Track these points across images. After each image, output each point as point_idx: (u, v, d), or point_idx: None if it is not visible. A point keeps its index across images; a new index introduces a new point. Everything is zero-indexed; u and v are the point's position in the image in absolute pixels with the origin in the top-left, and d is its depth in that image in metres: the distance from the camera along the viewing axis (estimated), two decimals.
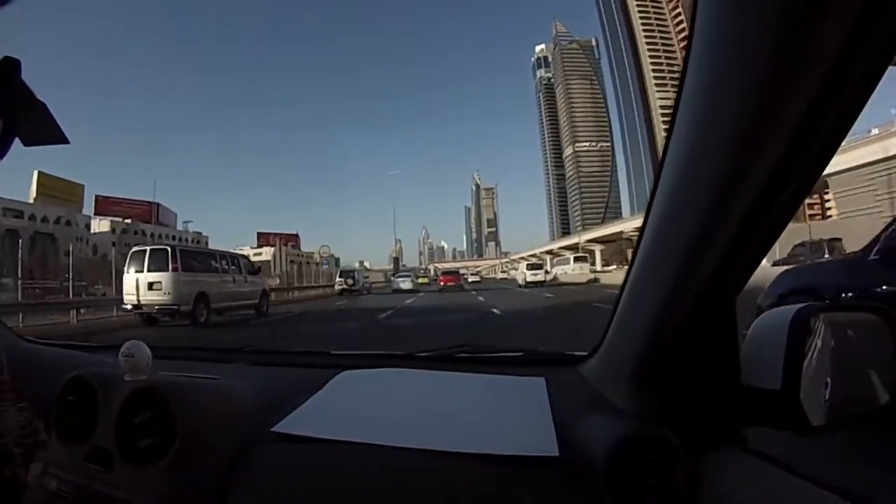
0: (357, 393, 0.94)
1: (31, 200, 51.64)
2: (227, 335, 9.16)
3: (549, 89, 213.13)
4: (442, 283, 29.80)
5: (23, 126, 0.68)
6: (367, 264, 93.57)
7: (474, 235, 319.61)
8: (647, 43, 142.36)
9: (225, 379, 0.94)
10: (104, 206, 64.25)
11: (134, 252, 11.83)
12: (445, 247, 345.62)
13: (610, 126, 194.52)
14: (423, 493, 0.67)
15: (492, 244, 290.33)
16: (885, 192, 32.06)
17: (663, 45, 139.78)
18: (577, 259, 43.59)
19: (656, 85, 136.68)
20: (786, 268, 4.61)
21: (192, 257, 12.19)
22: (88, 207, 61.29)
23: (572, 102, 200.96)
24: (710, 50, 0.46)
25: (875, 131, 33.19)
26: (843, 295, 3.48)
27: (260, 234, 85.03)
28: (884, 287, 3.18)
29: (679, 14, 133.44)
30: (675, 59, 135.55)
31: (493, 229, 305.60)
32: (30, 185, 52.34)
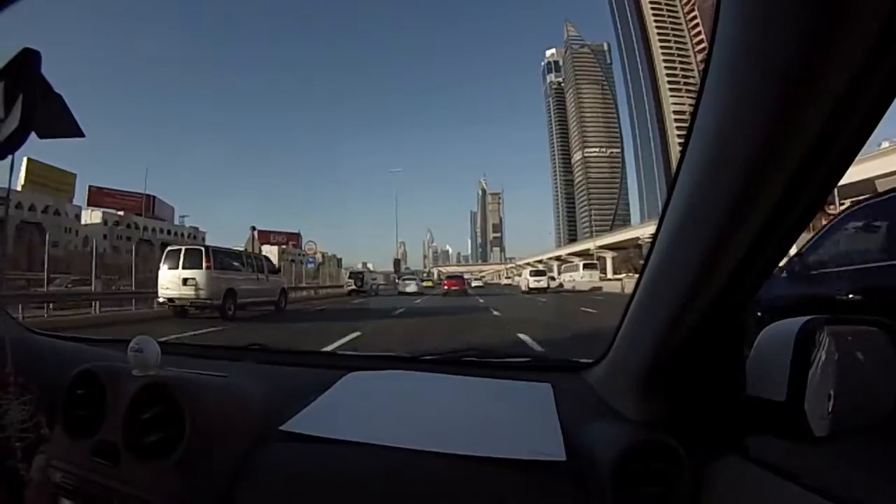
0: (364, 394, 0.96)
1: (20, 188, 49.16)
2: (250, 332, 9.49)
3: (559, 94, 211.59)
4: (446, 287, 30.19)
5: (40, 118, 0.68)
6: (370, 266, 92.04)
7: (479, 240, 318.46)
8: (662, 47, 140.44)
9: (233, 377, 0.94)
10: (98, 197, 62.45)
11: (169, 251, 12.88)
12: (450, 251, 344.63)
13: (620, 132, 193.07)
14: (430, 495, 0.68)
15: (496, 249, 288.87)
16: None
17: (678, 49, 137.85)
18: (587, 266, 41.92)
19: (671, 90, 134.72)
20: None
21: (222, 257, 13.19)
22: (81, 198, 58.97)
23: (582, 107, 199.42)
24: (731, 59, 0.46)
25: (885, 144, 33.09)
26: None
27: (260, 233, 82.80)
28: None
29: (695, 18, 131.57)
30: (691, 64, 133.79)
31: (499, 234, 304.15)
32: (19, 171, 49.88)
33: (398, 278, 39.41)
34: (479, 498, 0.67)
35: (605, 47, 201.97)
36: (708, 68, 0.48)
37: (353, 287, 30.23)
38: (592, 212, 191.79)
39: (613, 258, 62.63)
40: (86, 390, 0.79)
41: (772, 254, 0.55)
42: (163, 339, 0.98)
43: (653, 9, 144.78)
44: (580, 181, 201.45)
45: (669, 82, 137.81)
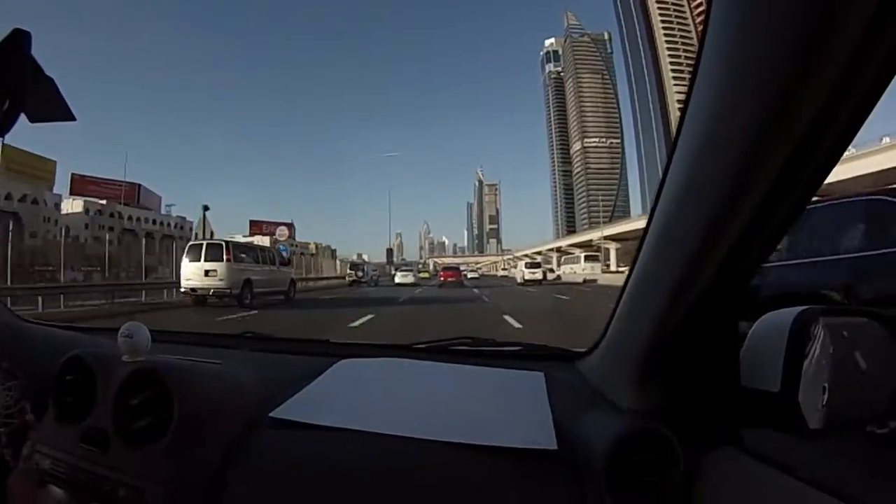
0: (355, 381, 0.96)
1: None
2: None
3: (558, 84, 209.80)
4: (442, 279, 30.52)
5: (31, 102, 0.68)
6: (365, 257, 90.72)
7: (475, 232, 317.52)
8: (666, 35, 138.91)
9: (226, 364, 0.95)
10: (80, 185, 60.59)
11: (191, 245, 14.44)
12: (446, 242, 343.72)
13: (620, 122, 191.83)
14: (419, 482, 0.69)
15: (493, 241, 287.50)
16: None
17: (682, 37, 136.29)
18: (588, 258, 40.66)
19: (674, 79, 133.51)
20: None
21: (240, 250, 14.73)
22: (64, 187, 56.76)
23: (582, 97, 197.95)
24: (723, 49, 0.46)
25: (886, 140, 34.02)
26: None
27: (252, 223, 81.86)
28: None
29: (700, 5, 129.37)
30: (694, 52, 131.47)
31: (495, 226, 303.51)
32: None
33: (395, 269, 40.90)
34: (468, 486, 0.68)
35: (606, 36, 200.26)
36: (700, 59, 0.49)
37: (354, 278, 32.95)
38: (591, 203, 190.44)
39: (617, 250, 60.79)
40: (76, 376, 0.79)
41: (762, 245, 0.56)
42: (158, 328, 1.00)
43: None
44: (579, 172, 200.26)
45: (673, 70, 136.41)
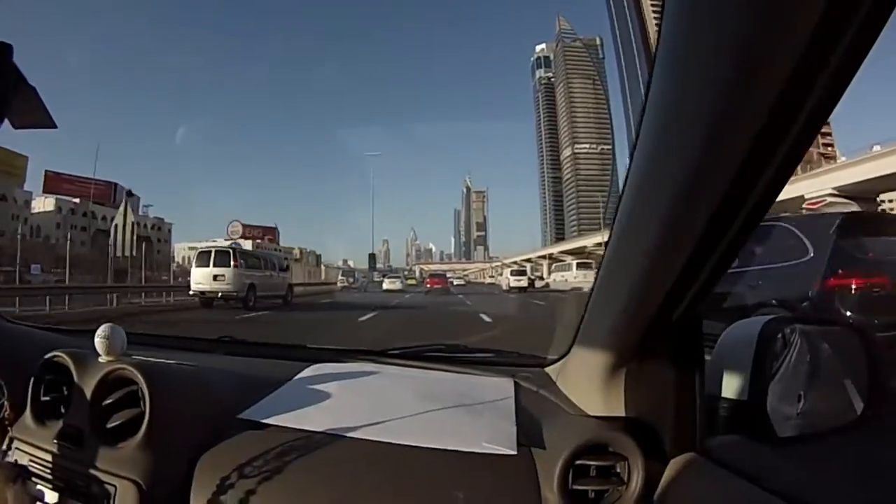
0: (325, 385, 0.99)
1: None
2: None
3: (548, 89, 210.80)
4: (429, 286, 31.53)
5: (13, 109, 0.70)
6: (351, 263, 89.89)
7: (462, 238, 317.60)
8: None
9: (200, 366, 0.99)
10: (55, 182, 59.12)
11: (200, 252, 16.35)
12: (433, 249, 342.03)
13: (612, 127, 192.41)
14: (379, 484, 0.71)
15: (480, 248, 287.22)
16: None
17: None
18: (580, 265, 39.82)
19: None
20: None
21: (245, 256, 16.77)
22: (38, 184, 54.58)
23: (573, 103, 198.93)
24: (673, 62, 0.47)
25: (877, 148, 35.31)
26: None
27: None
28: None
29: None
30: None
31: (483, 233, 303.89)
32: None
33: (383, 276, 42.18)
34: (426, 489, 0.70)
35: (598, 41, 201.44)
36: (652, 74, 0.50)
37: (346, 284, 36.76)
38: (581, 209, 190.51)
39: None
40: (54, 376, 0.83)
41: (722, 256, 0.56)
42: (136, 332, 1.11)
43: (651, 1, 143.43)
44: (569, 178, 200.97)
45: None
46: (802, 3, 0.36)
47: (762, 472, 0.62)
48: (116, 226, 24.14)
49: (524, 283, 31.62)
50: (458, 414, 0.87)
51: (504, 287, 33.21)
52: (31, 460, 0.78)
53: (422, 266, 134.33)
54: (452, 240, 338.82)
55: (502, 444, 0.74)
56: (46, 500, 0.75)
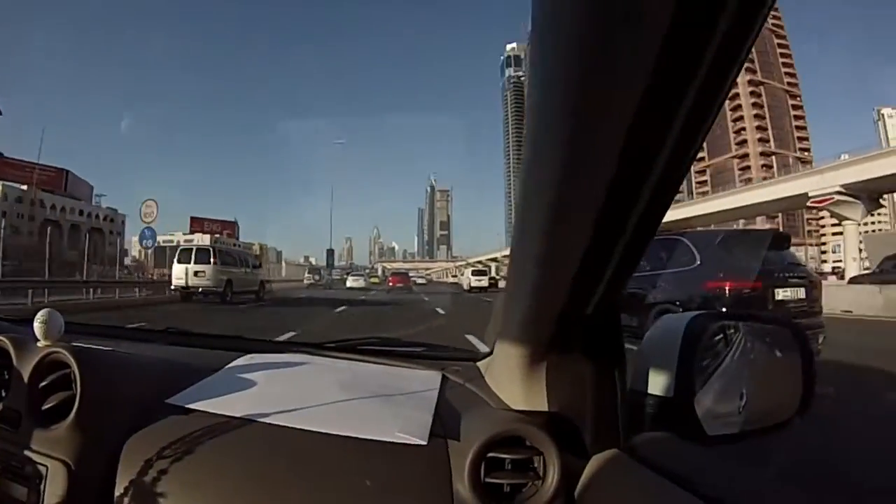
0: (253, 374, 1.02)
1: None
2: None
3: (517, 88, 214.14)
4: (391, 284, 32.54)
5: None
6: (312, 260, 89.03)
7: (426, 238, 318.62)
8: None
9: (135, 353, 1.06)
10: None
11: (182, 249, 18.09)
12: (396, 247, 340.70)
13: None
14: (287, 468, 0.74)
15: (443, 247, 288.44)
16: None
17: None
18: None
19: None
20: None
21: (223, 254, 18.23)
22: None
23: None
24: (539, 63, 0.48)
25: (845, 157, 36.27)
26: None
27: (193, 220, 79.07)
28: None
29: None
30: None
31: (446, 232, 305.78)
32: None
33: (347, 274, 44.02)
34: (334, 475, 0.72)
35: None
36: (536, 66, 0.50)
37: (312, 281, 39.46)
38: None
39: None
40: None
41: (622, 257, 0.57)
42: (78, 321, 1.21)
43: None
44: None
45: None
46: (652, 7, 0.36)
47: (687, 470, 0.63)
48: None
49: (484, 282, 32.45)
50: (376, 403, 0.90)
51: (465, 286, 33.96)
52: None
53: (384, 264, 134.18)
54: (416, 239, 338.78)
55: (413, 433, 0.76)
56: None
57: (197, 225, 77.29)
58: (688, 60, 0.39)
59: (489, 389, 0.94)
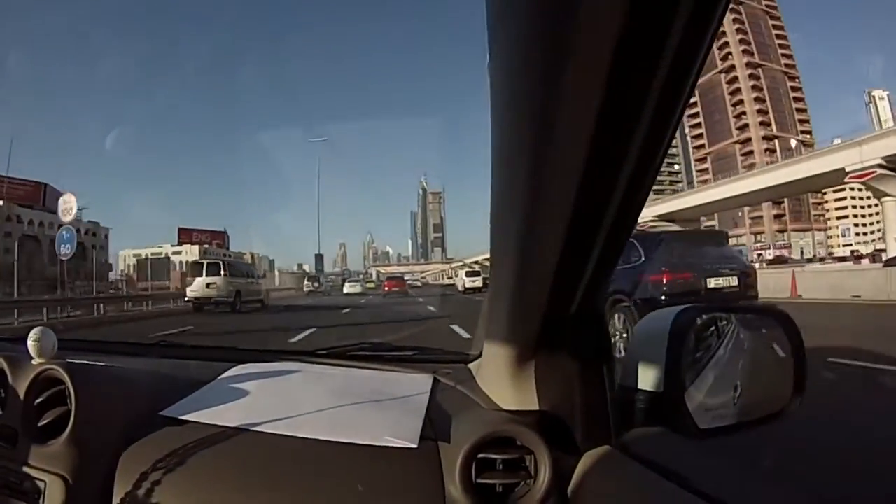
0: (245, 384, 1.04)
1: None
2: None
3: None
4: (386, 289, 32.68)
5: None
6: (306, 268, 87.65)
7: (420, 241, 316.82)
8: None
9: (127, 367, 1.08)
10: None
11: (194, 263, 21.15)
12: (390, 251, 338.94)
13: None
14: (280, 475, 0.76)
15: (438, 250, 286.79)
16: None
17: None
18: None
19: None
20: None
21: (232, 267, 20.92)
22: None
23: None
24: (500, 54, 0.48)
25: (837, 141, 37.42)
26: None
27: (181, 231, 77.51)
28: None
29: None
30: None
31: (440, 234, 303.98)
32: None
33: (343, 280, 46.77)
34: (327, 480, 0.74)
35: None
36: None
37: (311, 288, 41.48)
38: None
39: None
40: None
41: (601, 253, 0.58)
42: (75, 338, 1.31)
43: None
44: None
45: None
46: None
47: (679, 465, 0.63)
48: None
49: (479, 283, 32.84)
50: (367, 409, 0.91)
51: (460, 288, 35.08)
52: None
53: (379, 269, 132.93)
54: (410, 242, 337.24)
55: (404, 437, 0.77)
56: None
57: (185, 236, 76.20)
58: (648, 56, 0.39)
59: (480, 391, 0.95)
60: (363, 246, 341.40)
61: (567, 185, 0.49)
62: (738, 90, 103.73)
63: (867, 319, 10.56)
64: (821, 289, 15.44)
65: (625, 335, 6.33)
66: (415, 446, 0.76)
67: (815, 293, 15.31)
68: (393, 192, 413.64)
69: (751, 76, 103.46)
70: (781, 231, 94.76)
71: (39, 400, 0.82)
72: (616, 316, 6.79)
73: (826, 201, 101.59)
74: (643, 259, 6.95)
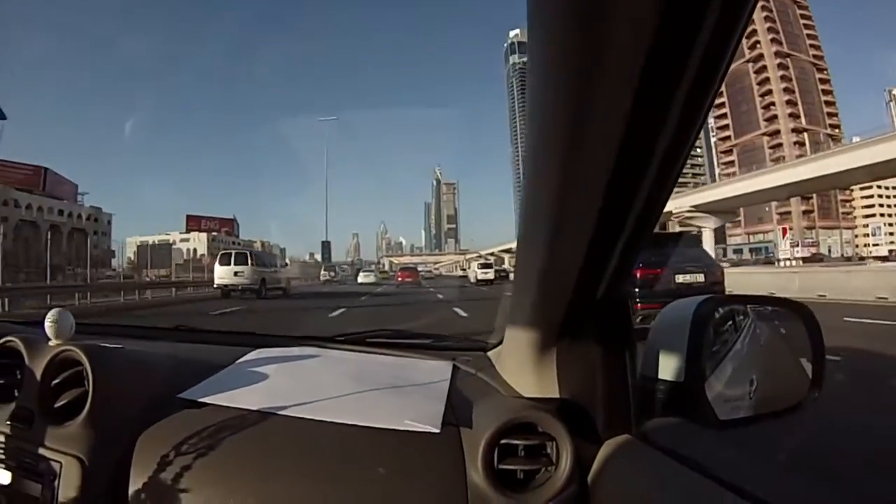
0: (264, 367, 1.04)
1: None
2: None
3: (523, 73, 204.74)
4: (399, 280, 32.42)
5: None
6: (318, 257, 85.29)
7: (433, 231, 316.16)
8: None
9: (145, 350, 1.07)
10: None
11: (223, 253, 21.87)
12: (403, 242, 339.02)
13: None
14: (302, 458, 0.76)
15: (451, 241, 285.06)
16: None
17: None
18: None
19: None
20: None
21: (258, 257, 22.35)
22: None
23: None
24: (538, 61, 0.49)
25: (856, 139, 38.28)
26: None
27: (189, 218, 74.99)
28: None
29: None
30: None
31: (454, 226, 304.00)
32: None
33: (358, 270, 49.04)
34: (348, 463, 0.74)
35: None
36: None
37: (328, 277, 43.56)
38: None
39: None
40: (9, 360, 0.87)
41: (627, 241, 0.59)
42: (91, 321, 1.33)
43: None
44: None
45: None
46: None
47: (699, 454, 0.64)
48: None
49: (490, 275, 33.65)
50: (387, 394, 0.91)
51: (472, 279, 35.73)
52: None
53: (392, 259, 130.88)
54: (423, 233, 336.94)
55: (426, 422, 0.77)
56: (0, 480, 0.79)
57: (194, 223, 74.75)
58: (678, 53, 0.40)
59: (500, 378, 0.96)
60: (377, 236, 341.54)
61: (597, 178, 0.51)
62: (767, 80, 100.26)
63: None
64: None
65: None
66: (437, 431, 0.76)
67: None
68: (407, 182, 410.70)
69: (780, 66, 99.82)
70: (810, 228, 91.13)
71: (56, 381, 0.81)
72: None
73: (853, 199, 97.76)
74: None
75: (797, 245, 75.03)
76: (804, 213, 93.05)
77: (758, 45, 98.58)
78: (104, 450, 0.76)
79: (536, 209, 0.63)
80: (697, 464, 0.62)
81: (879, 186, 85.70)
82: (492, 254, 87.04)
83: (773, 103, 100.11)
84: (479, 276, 33.41)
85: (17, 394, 0.83)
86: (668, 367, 0.69)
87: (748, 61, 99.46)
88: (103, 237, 64.39)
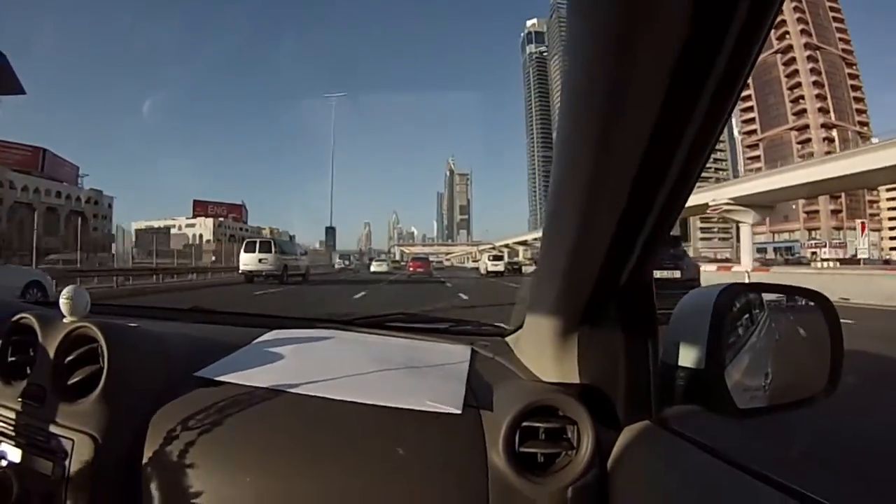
0: (280, 348, 1.04)
1: None
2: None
3: (540, 64, 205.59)
4: (411, 270, 32.36)
5: None
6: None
7: (445, 222, 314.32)
8: None
9: (161, 329, 1.08)
10: None
11: (248, 241, 23.68)
12: (415, 232, 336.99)
13: None
14: (317, 436, 0.75)
15: (463, 232, 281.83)
16: None
17: None
18: None
19: None
20: None
21: (281, 245, 24.32)
22: None
23: None
24: (572, 55, 0.50)
25: (875, 140, 37.72)
26: None
27: (196, 203, 72.07)
28: None
29: None
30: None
31: (466, 216, 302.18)
32: None
33: (370, 259, 50.45)
34: (365, 443, 0.73)
35: None
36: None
37: (342, 266, 45.51)
38: None
39: None
40: (22, 337, 0.87)
41: (653, 226, 0.60)
42: (106, 302, 1.33)
43: None
44: None
45: None
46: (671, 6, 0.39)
47: (719, 442, 0.64)
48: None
49: (500, 267, 33.47)
50: (406, 375, 0.90)
51: (482, 271, 35.46)
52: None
53: (403, 248, 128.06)
54: (435, 223, 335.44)
55: (447, 403, 0.77)
56: (10, 457, 0.77)
57: (201, 208, 72.92)
58: (710, 42, 0.40)
59: (520, 363, 0.96)
60: (388, 225, 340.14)
61: (627, 167, 0.52)
62: (796, 72, 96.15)
63: None
64: None
65: None
66: (459, 412, 0.76)
67: None
68: (420, 172, 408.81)
69: (809, 58, 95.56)
70: (837, 228, 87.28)
71: (71, 358, 0.80)
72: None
73: (879, 199, 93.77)
74: None
75: (824, 245, 71.16)
76: (832, 212, 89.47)
77: (787, 36, 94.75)
78: (117, 427, 0.76)
79: (565, 196, 0.63)
80: (717, 451, 0.62)
81: None
82: (506, 245, 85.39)
83: (802, 97, 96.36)
84: (490, 269, 32.99)
85: (29, 371, 0.82)
86: (688, 354, 0.69)
87: (777, 52, 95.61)
88: (103, 220, 63.06)
